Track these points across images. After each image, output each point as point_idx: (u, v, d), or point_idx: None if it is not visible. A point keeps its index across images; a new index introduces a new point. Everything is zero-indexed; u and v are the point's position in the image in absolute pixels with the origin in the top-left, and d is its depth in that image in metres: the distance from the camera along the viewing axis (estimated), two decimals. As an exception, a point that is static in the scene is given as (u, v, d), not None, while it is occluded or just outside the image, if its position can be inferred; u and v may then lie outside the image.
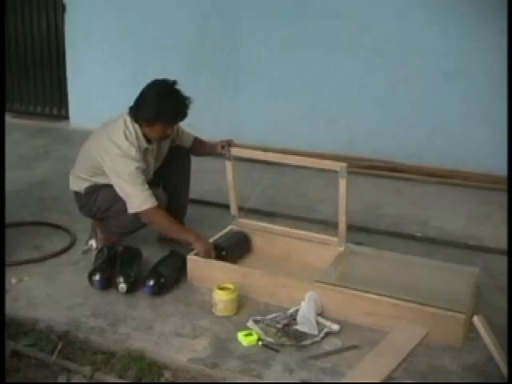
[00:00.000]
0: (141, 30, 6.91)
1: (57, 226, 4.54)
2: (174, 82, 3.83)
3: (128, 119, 3.87)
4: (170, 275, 3.72)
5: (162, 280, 3.65)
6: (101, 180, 3.93)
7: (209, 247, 3.79)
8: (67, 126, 7.57)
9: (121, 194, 3.80)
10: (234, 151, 4.04)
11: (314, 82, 6.26)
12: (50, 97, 7.94)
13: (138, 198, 3.75)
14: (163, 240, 4.25)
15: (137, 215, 3.83)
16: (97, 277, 3.69)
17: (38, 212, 4.84)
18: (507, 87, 4.81)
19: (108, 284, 3.70)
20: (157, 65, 6.66)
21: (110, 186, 3.86)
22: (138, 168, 3.77)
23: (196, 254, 3.78)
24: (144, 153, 3.90)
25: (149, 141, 3.91)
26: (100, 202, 4.00)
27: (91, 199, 4.01)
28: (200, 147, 4.28)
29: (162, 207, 3.89)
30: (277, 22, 6.28)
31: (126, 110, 3.92)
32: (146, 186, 3.77)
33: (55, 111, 7.93)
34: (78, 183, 4.09)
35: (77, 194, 4.12)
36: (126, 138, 3.80)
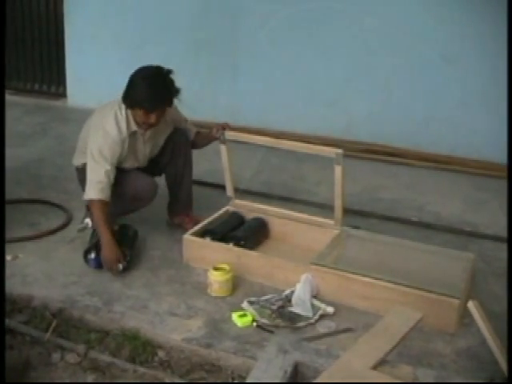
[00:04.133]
0: (140, 10, 6.87)
1: (53, 204, 4.54)
2: (168, 71, 3.77)
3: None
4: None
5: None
6: None
7: (112, 257, 3.65)
8: (65, 103, 7.54)
9: (87, 174, 3.81)
10: (229, 135, 4.01)
11: (312, 65, 6.24)
12: (49, 75, 7.91)
13: (89, 185, 3.76)
14: (172, 224, 4.30)
15: (131, 197, 3.87)
16: (92, 255, 3.69)
17: (35, 190, 4.84)
18: (507, 76, 4.80)
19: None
20: (155, 45, 6.64)
21: None
22: (111, 153, 3.77)
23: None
24: (132, 136, 3.87)
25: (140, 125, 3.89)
26: None
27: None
28: (200, 138, 4.25)
29: (149, 195, 3.92)
30: (276, 4, 6.25)
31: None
32: (104, 178, 3.74)
33: (53, 89, 7.89)
34: (78, 159, 4.10)
35: (77, 168, 4.14)
36: (115, 118, 3.80)
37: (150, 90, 3.70)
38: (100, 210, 3.73)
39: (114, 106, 3.86)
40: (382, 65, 5.98)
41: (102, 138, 3.78)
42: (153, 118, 3.76)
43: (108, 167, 3.75)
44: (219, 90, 6.65)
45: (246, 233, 3.95)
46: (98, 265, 3.69)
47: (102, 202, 3.73)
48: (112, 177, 3.78)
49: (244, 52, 6.54)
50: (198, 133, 4.27)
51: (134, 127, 3.86)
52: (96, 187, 3.73)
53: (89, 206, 3.94)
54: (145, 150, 4.05)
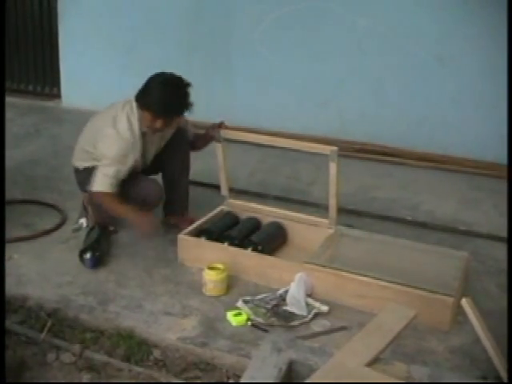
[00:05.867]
0: (134, 10, 6.86)
1: (47, 205, 4.53)
2: (187, 84, 3.79)
3: (134, 101, 3.85)
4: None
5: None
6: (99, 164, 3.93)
7: (149, 226, 3.83)
8: (59, 104, 7.53)
9: (97, 171, 3.84)
10: (225, 134, 4.02)
11: (306, 65, 6.24)
12: (42, 75, 7.89)
13: (98, 179, 3.80)
14: (167, 224, 4.29)
15: (140, 202, 3.88)
16: (88, 255, 3.70)
17: (29, 190, 4.83)
18: (507, 76, 4.82)
19: (99, 262, 3.72)
20: (149, 45, 6.65)
21: None
22: (121, 155, 3.78)
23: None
24: (144, 136, 3.88)
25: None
26: None
27: (87, 180, 3.97)
28: (198, 141, 4.24)
29: (156, 199, 3.99)
30: (270, 5, 6.25)
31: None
32: (113, 172, 3.78)
33: (47, 90, 7.88)
34: (79, 160, 4.09)
35: (77, 170, 4.13)
36: (128, 119, 3.81)
37: (165, 97, 3.71)
38: (112, 200, 3.80)
39: (125, 107, 3.86)
40: (375, 65, 5.99)
41: (115, 137, 3.80)
42: (158, 124, 3.77)
43: (121, 167, 3.79)
44: (213, 91, 6.65)
45: (262, 238, 3.91)
46: (94, 265, 3.70)
47: (110, 194, 3.78)
48: (122, 177, 3.82)
49: (238, 52, 6.54)
50: (196, 135, 4.27)
51: (144, 128, 3.86)
52: (105, 181, 3.77)
53: (88, 202, 3.94)
54: (152, 151, 4.06)
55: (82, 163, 4.06)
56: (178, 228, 4.06)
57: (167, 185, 4.22)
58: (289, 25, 6.22)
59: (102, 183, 3.78)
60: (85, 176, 3.98)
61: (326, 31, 6.09)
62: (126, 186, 3.86)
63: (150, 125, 3.80)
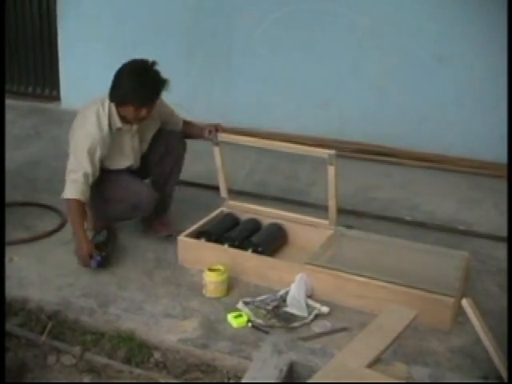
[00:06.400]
0: (133, 11, 6.87)
1: (47, 207, 4.53)
2: (153, 63, 3.73)
3: (107, 99, 3.81)
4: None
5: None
6: None
7: (84, 253, 3.70)
8: (58, 106, 7.54)
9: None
10: (222, 137, 4.00)
11: (305, 65, 6.24)
12: (42, 77, 7.91)
13: (67, 183, 3.75)
14: (142, 223, 4.28)
15: (132, 206, 3.87)
16: (94, 255, 3.69)
17: (29, 192, 4.84)
18: (507, 76, 4.82)
19: (104, 263, 3.72)
20: (149, 46, 6.62)
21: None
22: (91, 148, 3.72)
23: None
24: (117, 133, 3.84)
25: (127, 121, 3.84)
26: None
27: None
28: (188, 130, 4.20)
29: (147, 207, 3.91)
30: (270, 5, 6.26)
31: None
32: (82, 179, 3.71)
33: (47, 92, 7.90)
34: None
35: None
36: (97, 116, 3.75)
37: (138, 84, 3.65)
38: (77, 210, 3.73)
39: (96, 104, 3.81)
40: (375, 64, 5.99)
41: (83, 137, 3.74)
42: (144, 112, 3.73)
43: (89, 169, 3.72)
44: (213, 91, 6.66)
45: (262, 239, 3.90)
46: (99, 265, 3.69)
47: (79, 203, 3.73)
48: (91, 179, 3.76)
49: (238, 53, 6.54)
50: (186, 123, 4.23)
51: (118, 123, 3.81)
52: (74, 187, 3.71)
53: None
54: (133, 145, 3.97)
55: None
56: (152, 229, 4.11)
57: (154, 185, 4.13)
58: (289, 25, 6.22)
59: (71, 190, 3.73)
60: None
61: (326, 31, 6.09)
62: (118, 189, 3.86)
63: (135, 117, 3.75)
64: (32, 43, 7.82)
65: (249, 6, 6.37)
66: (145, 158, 4.12)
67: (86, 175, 3.72)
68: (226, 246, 3.78)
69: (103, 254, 3.73)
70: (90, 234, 3.87)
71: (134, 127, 3.91)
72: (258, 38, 6.37)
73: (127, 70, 3.73)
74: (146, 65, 3.73)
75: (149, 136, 4.08)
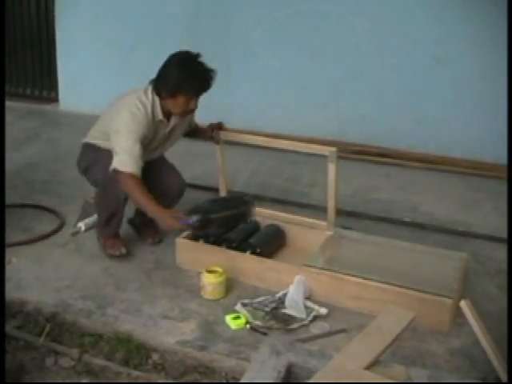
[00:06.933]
0: (132, 13, 6.87)
1: (46, 209, 4.53)
2: (198, 55, 3.70)
3: (150, 89, 3.70)
4: None
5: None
6: (103, 143, 3.79)
7: (168, 217, 3.48)
8: (57, 108, 7.53)
9: (115, 148, 3.58)
10: (223, 135, 4.03)
11: (304, 66, 6.23)
12: (40, 79, 7.91)
13: (122, 155, 3.53)
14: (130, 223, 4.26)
15: (162, 191, 3.79)
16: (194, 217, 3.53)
17: (27, 194, 4.83)
18: (507, 76, 4.81)
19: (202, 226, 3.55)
20: (147, 48, 6.64)
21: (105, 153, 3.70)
22: (139, 129, 3.57)
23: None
24: (157, 124, 3.73)
25: (166, 116, 3.75)
26: (86, 160, 3.89)
27: (84, 155, 3.91)
28: (191, 130, 4.16)
29: (177, 193, 3.93)
30: (269, 6, 6.26)
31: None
32: (138, 151, 3.54)
33: (45, 93, 7.90)
34: (92, 138, 3.91)
35: (85, 145, 3.95)
36: (141, 102, 3.63)
37: (191, 74, 3.60)
38: (139, 186, 3.51)
39: (136, 93, 3.70)
40: (373, 66, 5.99)
41: (129, 116, 3.58)
42: (193, 104, 3.67)
43: (138, 145, 3.56)
44: (212, 92, 6.61)
45: (260, 240, 3.89)
46: (193, 224, 3.49)
47: (138, 179, 3.53)
48: (142, 157, 3.58)
49: (237, 54, 6.53)
50: (197, 128, 4.19)
51: (160, 115, 3.70)
52: (131, 160, 3.51)
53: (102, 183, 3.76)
54: (161, 142, 3.88)
55: (95, 141, 3.87)
56: (141, 236, 4.12)
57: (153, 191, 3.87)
58: (287, 26, 6.22)
59: (125, 162, 3.51)
60: (91, 153, 3.85)
61: (324, 33, 6.09)
62: (146, 175, 3.65)
63: (184, 109, 3.66)
64: (30, 44, 7.82)
65: (247, 8, 6.37)
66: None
67: (140, 150, 3.56)
68: (224, 247, 3.77)
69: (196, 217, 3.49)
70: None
71: (172, 123, 3.80)
72: (257, 40, 6.37)
73: (176, 62, 3.67)
74: (193, 55, 3.70)
75: (178, 136, 4.00)
